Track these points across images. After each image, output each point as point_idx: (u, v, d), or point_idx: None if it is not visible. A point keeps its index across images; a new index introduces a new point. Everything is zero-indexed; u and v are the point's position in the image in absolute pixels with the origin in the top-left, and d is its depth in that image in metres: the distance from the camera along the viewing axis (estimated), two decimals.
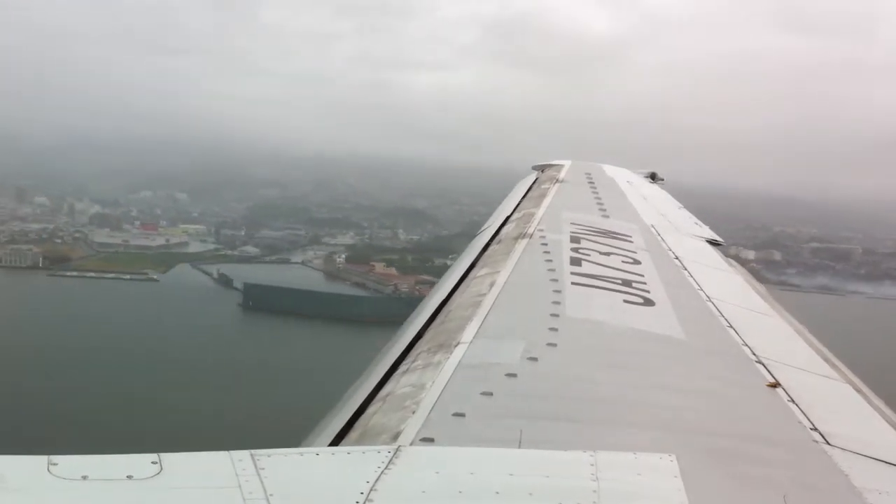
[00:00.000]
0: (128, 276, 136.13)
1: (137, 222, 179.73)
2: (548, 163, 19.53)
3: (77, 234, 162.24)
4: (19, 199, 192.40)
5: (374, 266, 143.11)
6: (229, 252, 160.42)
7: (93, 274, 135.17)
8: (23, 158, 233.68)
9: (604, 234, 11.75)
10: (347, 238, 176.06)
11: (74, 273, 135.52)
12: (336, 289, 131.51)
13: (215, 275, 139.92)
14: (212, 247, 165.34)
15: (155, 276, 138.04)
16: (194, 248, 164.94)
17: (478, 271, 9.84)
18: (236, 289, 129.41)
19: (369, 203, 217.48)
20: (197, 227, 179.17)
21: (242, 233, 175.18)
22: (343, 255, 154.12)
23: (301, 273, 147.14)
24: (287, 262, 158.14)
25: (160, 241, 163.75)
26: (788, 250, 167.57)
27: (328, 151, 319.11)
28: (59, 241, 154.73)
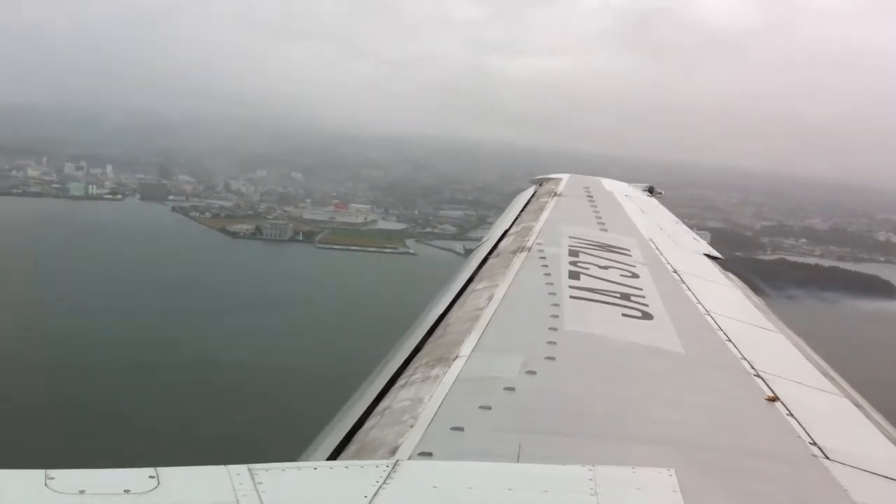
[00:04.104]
0: (388, 250, 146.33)
1: (308, 200, 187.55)
2: (546, 176, 19.46)
3: (279, 211, 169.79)
4: (163, 175, 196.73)
5: None
6: (430, 230, 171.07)
7: (356, 248, 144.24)
8: (107, 138, 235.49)
9: (602, 247, 11.78)
10: None
11: (339, 246, 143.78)
12: None
13: (459, 250, 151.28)
14: (402, 225, 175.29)
15: (412, 251, 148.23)
16: (384, 225, 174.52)
17: (476, 285, 9.86)
18: None
19: (481, 185, 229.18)
20: (364, 206, 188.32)
21: (416, 212, 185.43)
22: None
23: None
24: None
25: (360, 218, 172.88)
26: None
27: (404, 133, 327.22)
28: (269, 217, 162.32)
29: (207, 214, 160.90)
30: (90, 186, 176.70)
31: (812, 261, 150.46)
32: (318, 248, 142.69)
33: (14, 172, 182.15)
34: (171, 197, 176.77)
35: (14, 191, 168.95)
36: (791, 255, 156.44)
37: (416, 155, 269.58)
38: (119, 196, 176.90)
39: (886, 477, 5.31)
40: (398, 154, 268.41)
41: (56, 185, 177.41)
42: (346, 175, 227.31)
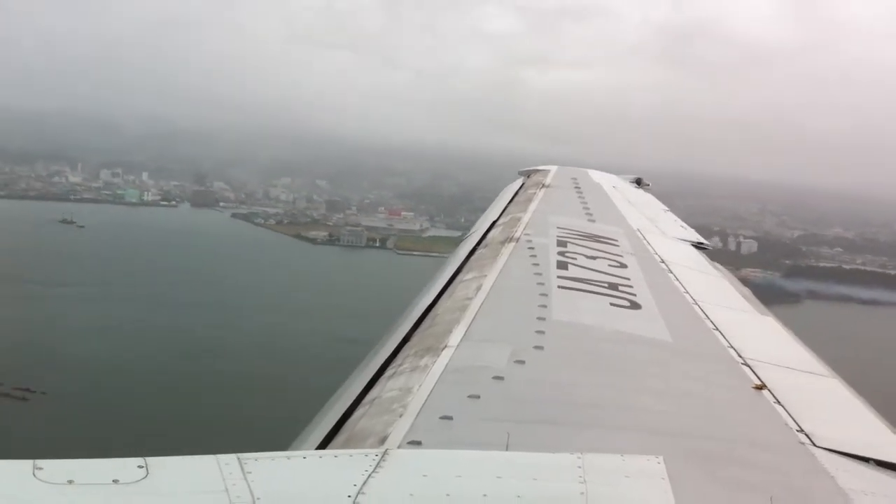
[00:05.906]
0: None
1: (354, 207, 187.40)
2: (534, 168, 19.51)
3: (335, 218, 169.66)
4: (199, 182, 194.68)
5: None
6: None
7: (434, 254, 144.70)
8: (126, 145, 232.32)
9: (590, 237, 11.77)
10: None
11: (417, 252, 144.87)
12: None
13: None
14: (454, 232, 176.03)
15: None
16: (435, 232, 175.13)
17: (465, 275, 9.86)
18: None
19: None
20: (409, 214, 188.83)
21: (462, 220, 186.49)
22: None
23: None
24: None
25: (416, 225, 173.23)
26: None
27: (421, 142, 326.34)
28: (330, 224, 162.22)
29: (272, 221, 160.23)
30: (145, 193, 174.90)
31: (857, 269, 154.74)
32: (399, 254, 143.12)
33: (56, 178, 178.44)
34: (221, 204, 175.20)
35: (72, 196, 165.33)
36: (837, 263, 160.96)
37: (435, 164, 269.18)
38: (174, 203, 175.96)
39: (872, 463, 5.38)
40: (417, 163, 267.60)
41: (106, 192, 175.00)
42: (368, 183, 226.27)
